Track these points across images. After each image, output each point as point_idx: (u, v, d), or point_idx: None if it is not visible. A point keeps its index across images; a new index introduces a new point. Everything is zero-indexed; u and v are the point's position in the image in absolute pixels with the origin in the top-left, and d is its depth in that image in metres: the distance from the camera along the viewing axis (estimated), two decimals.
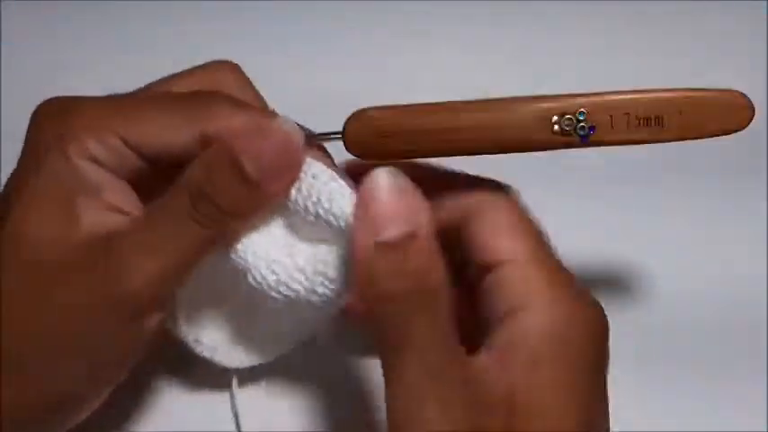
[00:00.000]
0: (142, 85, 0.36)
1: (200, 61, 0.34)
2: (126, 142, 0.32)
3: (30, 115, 0.34)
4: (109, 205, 0.32)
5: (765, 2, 0.56)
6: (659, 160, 0.49)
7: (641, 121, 0.31)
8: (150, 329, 0.33)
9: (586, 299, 0.32)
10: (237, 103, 0.34)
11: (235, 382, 0.41)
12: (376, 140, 0.33)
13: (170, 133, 0.32)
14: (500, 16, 0.57)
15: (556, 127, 0.31)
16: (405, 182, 0.29)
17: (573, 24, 0.57)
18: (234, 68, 0.38)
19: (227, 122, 0.32)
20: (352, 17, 0.57)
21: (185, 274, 0.33)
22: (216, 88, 0.36)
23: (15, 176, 0.33)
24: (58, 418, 0.33)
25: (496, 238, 0.33)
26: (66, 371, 0.32)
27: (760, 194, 0.49)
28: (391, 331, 0.29)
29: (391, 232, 0.28)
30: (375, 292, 0.29)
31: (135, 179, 0.34)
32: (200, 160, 0.32)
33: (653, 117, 0.30)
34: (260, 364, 0.40)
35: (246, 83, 0.38)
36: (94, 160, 0.32)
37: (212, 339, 0.39)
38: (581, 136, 0.31)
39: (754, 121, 0.32)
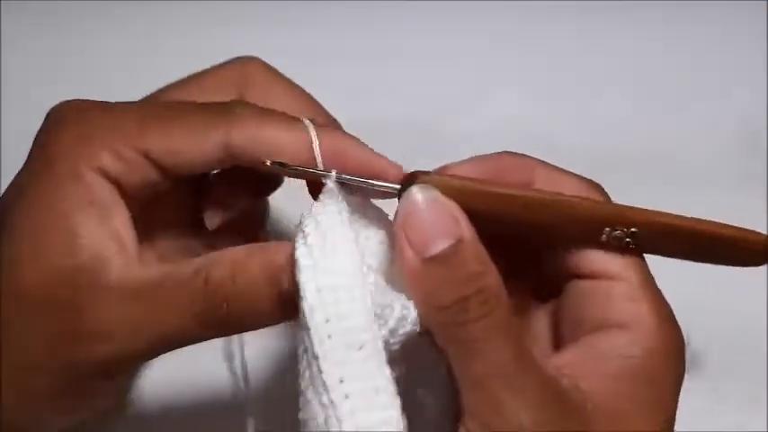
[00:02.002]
0: (144, 82, 0.36)
1: (200, 63, 0.34)
2: (144, 154, 0.31)
3: (29, 115, 0.33)
4: (112, 233, 0.30)
5: (765, 2, 0.56)
6: (659, 163, 0.49)
7: (683, 243, 0.33)
8: (104, 389, 0.32)
9: (678, 328, 0.33)
10: (262, 113, 0.32)
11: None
12: None
13: (193, 143, 0.31)
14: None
15: (604, 237, 0.32)
16: (438, 195, 0.29)
17: (572, 24, 0.57)
18: (261, 64, 0.37)
19: (252, 133, 0.31)
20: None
21: (152, 358, 0.31)
22: (245, 85, 0.35)
23: (19, 183, 0.32)
24: None
25: (606, 254, 0.33)
26: (23, 402, 0.31)
27: (760, 196, 0.49)
28: (458, 338, 0.29)
29: (437, 247, 0.28)
30: (434, 306, 0.29)
31: (142, 193, 0.32)
32: (234, 263, 0.30)
33: (694, 243, 0.33)
34: None
35: (275, 76, 0.36)
36: (107, 175, 0.31)
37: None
38: (628, 245, 0.32)
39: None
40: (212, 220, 0.35)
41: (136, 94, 0.38)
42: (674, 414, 0.32)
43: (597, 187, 0.34)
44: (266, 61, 0.37)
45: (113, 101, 0.33)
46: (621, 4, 0.57)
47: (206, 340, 0.31)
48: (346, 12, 0.57)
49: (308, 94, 0.37)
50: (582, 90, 0.54)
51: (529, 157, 0.34)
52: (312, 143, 0.31)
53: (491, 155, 0.33)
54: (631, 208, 0.32)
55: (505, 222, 0.32)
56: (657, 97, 0.54)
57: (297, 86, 0.37)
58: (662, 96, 0.54)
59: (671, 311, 0.33)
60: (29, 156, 0.32)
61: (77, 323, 0.29)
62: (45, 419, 0.32)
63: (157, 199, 0.33)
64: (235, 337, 0.41)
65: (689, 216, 0.32)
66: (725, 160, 0.49)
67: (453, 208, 0.29)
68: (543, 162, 0.34)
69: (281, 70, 0.37)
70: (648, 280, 0.33)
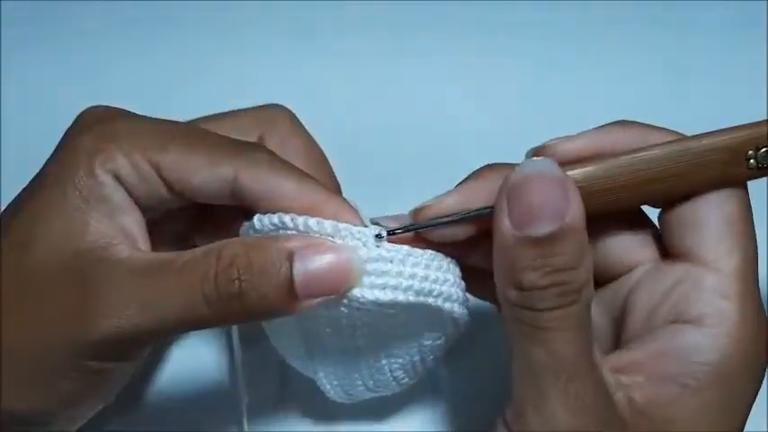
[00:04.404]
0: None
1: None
2: (157, 169, 0.31)
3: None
4: (121, 228, 0.31)
5: (765, 2, 0.56)
6: None
7: None
8: (109, 373, 0.31)
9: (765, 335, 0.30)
10: (278, 162, 0.32)
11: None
12: None
13: (203, 171, 0.31)
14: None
15: (752, 162, 0.29)
16: (557, 172, 0.28)
17: (572, 23, 0.57)
18: (288, 114, 0.37)
19: (261, 178, 0.31)
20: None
21: (161, 340, 0.31)
22: (268, 130, 0.36)
23: (41, 174, 0.32)
24: None
25: (705, 231, 0.30)
26: (26, 388, 0.30)
27: (760, 197, 0.49)
28: (526, 322, 0.28)
29: (537, 228, 0.27)
30: (513, 284, 0.28)
31: (150, 209, 0.33)
32: (246, 243, 0.30)
33: None
34: None
35: (296, 128, 0.37)
36: (119, 179, 0.31)
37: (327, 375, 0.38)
38: None
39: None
40: (201, 239, 0.36)
41: (136, 95, 0.38)
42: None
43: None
44: (294, 114, 0.38)
45: (114, 103, 0.34)
46: (621, 4, 0.57)
47: (215, 326, 0.31)
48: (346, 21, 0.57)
49: (323, 154, 0.38)
50: (580, 90, 0.54)
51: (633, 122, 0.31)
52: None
53: (601, 128, 0.31)
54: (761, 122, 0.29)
55: (627, 193, 0.30)
56: (656, 98, 0.54)
57: (314, 144, 0.38)
58: (661, 97, 0.54)
59: (763, 316, 0.30)
60: (53, 152, 0.33)
61: (84, 298, 0.29)
62: (47, 409, 0.31)
63: (167, 215, 0.34)
64: (233, 336, 0.41)
65: None
66: None
67: (569, 187, 0.27)
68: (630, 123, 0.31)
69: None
70: (748, 272, 0.30)
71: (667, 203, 0.31)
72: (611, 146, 0.31)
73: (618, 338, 0.33)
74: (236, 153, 0.32)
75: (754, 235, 0.30)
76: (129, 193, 0.32)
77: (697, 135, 0.30)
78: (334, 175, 0.38)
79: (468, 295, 0.34)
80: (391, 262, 0.31)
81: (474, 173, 0.32)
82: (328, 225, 0.30)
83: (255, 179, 0.31)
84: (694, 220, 0.30)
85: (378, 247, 0.31)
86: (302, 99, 0.39)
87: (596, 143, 0.31)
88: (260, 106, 0.38)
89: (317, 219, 0.31)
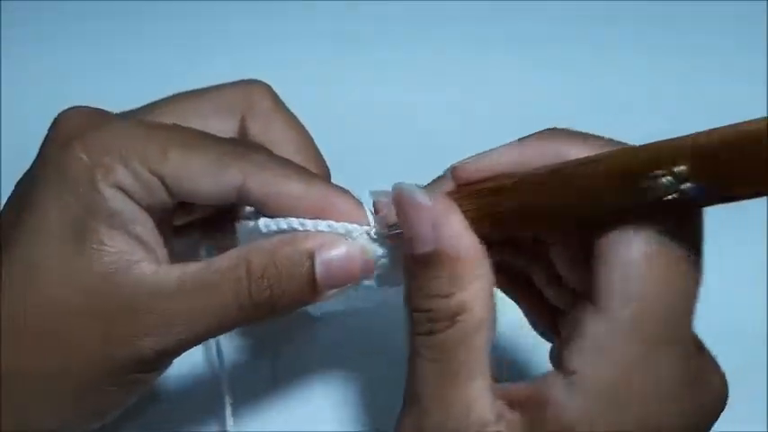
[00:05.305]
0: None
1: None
2: (158, 176, 0.30)
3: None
4: (138, 239, 0.30)
5: (765, 1, 0.57)
6: None
7: (746, 161, 0.21)
8: (144, 383, 0.32)
9: (710, 392, 0.28)
10: (280, 163, 0.32)
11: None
12: None
13: (210, 179, 0.31)
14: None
15: (649, 194, 0.23)
16: (421, 198, 0.28)
17: (572, 23, 0.57)
18: (266, 90, 0.37)
19: (268, 183, 0.31)
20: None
21: (195, 346, 0.31)
22: (248, 110, 0.36)
23: (29, 190, 0.30)
24: None
25: (602, 270, 0.27)
26: (50, 413, 0.31)
27: (760, 200, 0.49)
28: (410, 344, 0.28)
29: (414, 249, 0.28)
30: (406, 301, 0.29)
31: (156, 215, 0.32)
32: (269, 251, 0.30)
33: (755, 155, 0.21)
34: None
35: (278, 105, 0.37)
36: (122, 189, 0.30)
37: None
38: (690, 197, 0.21)
39: None
40: (178, 218, 0.36)
41: (136, 95, 0.38)
42: None
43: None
44: (272, 87, 0.37)
45: (114, 103, 0.33)
46: (621, 4, 0.57)
47: (240, 327, 0.32)
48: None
49: (307, 132, 0.38)
50: (580, 90, 0.54)
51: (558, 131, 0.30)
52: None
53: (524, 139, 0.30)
54: (666, 141, 0.23)
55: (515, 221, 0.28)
56: (656, 98, 0.54)
57: (297, 121, 0.37)
58: (661, 97, 0.54)
59: (669, 383, 0.27)
60: (37, 163, 0.31)
61: (117, 324, 0.29)
62: (76, 423, 0.32)
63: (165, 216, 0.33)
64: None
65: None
66: None
67: (439, 213, 0.27)
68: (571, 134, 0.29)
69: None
70: (649, 324, 0.26)
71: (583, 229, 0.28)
72: (528, 161, 0.29)
73: None
74: (240, 156, 0.31)
75: (676, 279, 0.27)
76: (135, 202, 0.31)
77: (581, 159, 0.26)
78: (321, 155, 0.38)
79: None
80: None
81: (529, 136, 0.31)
82: (339, 228, 0.31)
83: (263, 183, 0.31)
84: (597, 255, 0.27)
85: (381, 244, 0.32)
86: (301, 98, 0.39)
87: (513, 158, 0.29)
88: (238, 82, 0.37)
89: (328, 222, 0.31)
